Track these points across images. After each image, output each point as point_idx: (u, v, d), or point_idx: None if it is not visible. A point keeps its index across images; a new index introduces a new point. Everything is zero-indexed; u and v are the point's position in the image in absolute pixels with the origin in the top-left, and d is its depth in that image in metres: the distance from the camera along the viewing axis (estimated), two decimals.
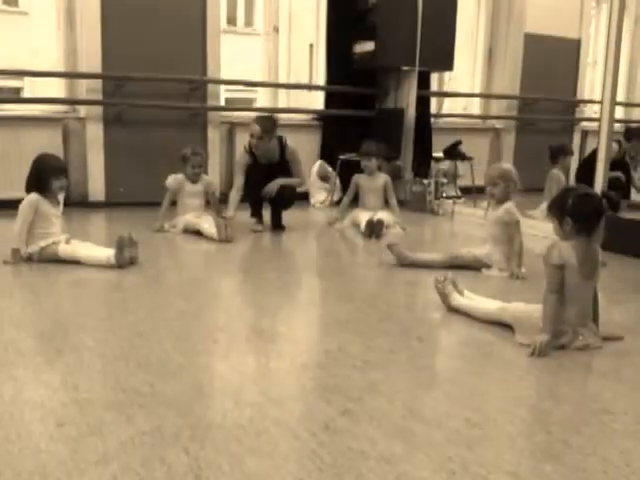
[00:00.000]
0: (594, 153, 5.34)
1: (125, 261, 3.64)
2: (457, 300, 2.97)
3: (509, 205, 3.72)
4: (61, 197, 3.82)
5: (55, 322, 2.80)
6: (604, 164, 4.60)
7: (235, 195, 4.95)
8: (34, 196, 3.68)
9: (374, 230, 4.79)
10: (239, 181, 4.97)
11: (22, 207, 3.68)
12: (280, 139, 4.97)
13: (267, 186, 4.88)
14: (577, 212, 2.53)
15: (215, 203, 4.98)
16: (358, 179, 5.27)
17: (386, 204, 5.27)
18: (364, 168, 5.22)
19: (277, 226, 5.09)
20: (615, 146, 4.89)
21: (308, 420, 1.94)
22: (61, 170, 3.75)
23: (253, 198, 5.00)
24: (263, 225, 5.06)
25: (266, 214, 5.11)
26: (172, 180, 4.81)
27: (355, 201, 5.38)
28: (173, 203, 4.90)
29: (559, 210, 2.58)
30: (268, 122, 4.88)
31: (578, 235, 2.54)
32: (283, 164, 5.03)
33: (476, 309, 2.90)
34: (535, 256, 2.70)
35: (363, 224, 4.88)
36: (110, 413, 1.91)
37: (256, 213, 5.08)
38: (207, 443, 1.76)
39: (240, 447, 1.74)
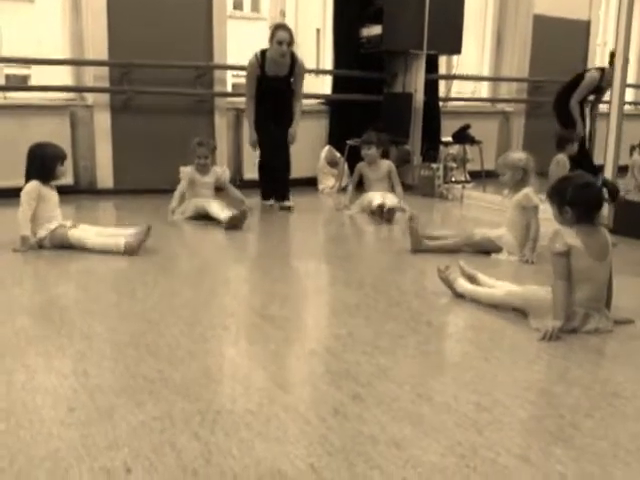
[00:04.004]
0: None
1: (133, 249, 3.66)
2: (463, 286, 2.97)
3: (528, 190, 3.75)
4: (54, 183, 3.90)
5: (65, 309, 2.82)
6: (614, 148, 4.55)
7: (251, 108, 5.13)
8: (35, 182, 3.75)
9: (384, 214, 4.77)
10: (251, 91, 5.10)
11: (25, 194, 3.72)
12: (292, 52, 5.05)
13: (290, 135, 5.20)
14: (576, 202, 2.55)
15: (231, 191, 4.93)
16: (362, 167, 5.27)
17: (392, 190, 5.25)
18: (364, 156, 5.22)
19: (284, 198, 5.26)
20: None
21: (318, 405, 1.94)
22: (64, 156, 3.85)
23: (265, 174, 5.26)
24: (274, 201, 5.26)
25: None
26: (185, 173, 4.79)
27: (361, 187, 5.36)
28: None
29: (559, 198, 2.60)
30: (289, 29, 5.02)
31: (578, 222, 2.55)
32: (288, 80, 5.13)
33: (482, 295, 2.89)
34: (543, 243, 2.70)
35: (375, 203, 4.86)
36: (120, 399, 1.92)
37: (267, 190, 5.27)
38: (217, 428, 1.76)
39: (250, 432, 1.75)
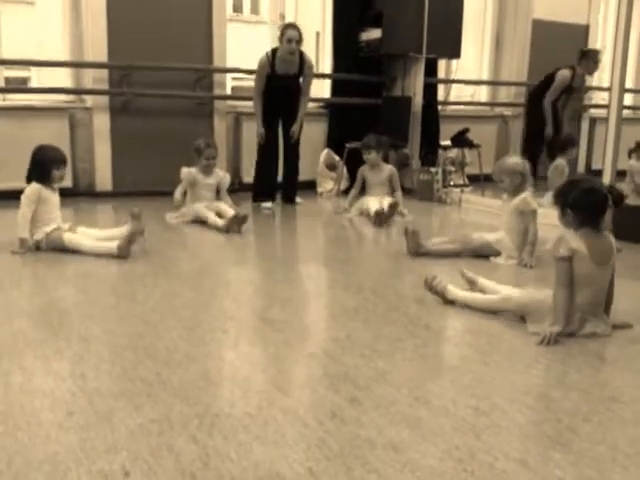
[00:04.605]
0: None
1: (127, 252, 3.67)
2: (453, 293, 2.95)
3: (526, 195, 3.76)
4: (57, 186, 3.90)
5: (63, 312, 2.81)
6: (612, 152, 4.56)
7: (258, 105, 5.35)
8: (36, 185, 3.76)
9: (382, 220, 4.78)
10: (260, 88, 5.32)
11: (25, 196, 3.74)
12: (300, 51, 5.29)
13: (292, 133, 5.43)
14: (578, 206, 2.56)
15: (225, 199, 4.90)
16: (363, 171, 5.27)
17: (392, 194, 5.25)
18: (365, 161, 5.23)
19: (290, 200, 5.54)
20: None
21: (316, 408, 1.94)
22: (61, 160, 3.84)
23: (262, 174, 5.45)
24: (274, 203, 5.42)
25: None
26: (186, 174, 4.77)
27: (362, 191, 5.37)
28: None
29: (562, 201, 2.61)
30: (299, 28, 5.26)
31: (582, 226, 2.56)
32: (297, 79, 5.36)
33: (475, 301, 2.89)
34: (544, 248, 2.70)
35: (372, 210, 4.87)
36: (119, 402, 1.92)
37: (266, 190, 5.41)
38: (215, 431, 1.76)
39: (248, 435, 1.75)
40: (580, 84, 6.40)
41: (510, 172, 3.76)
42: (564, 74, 6.26)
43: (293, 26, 5.26)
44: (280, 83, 5.29)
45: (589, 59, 6.25)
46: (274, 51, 5.29)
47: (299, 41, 5.18)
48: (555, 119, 6.30)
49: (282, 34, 5.20)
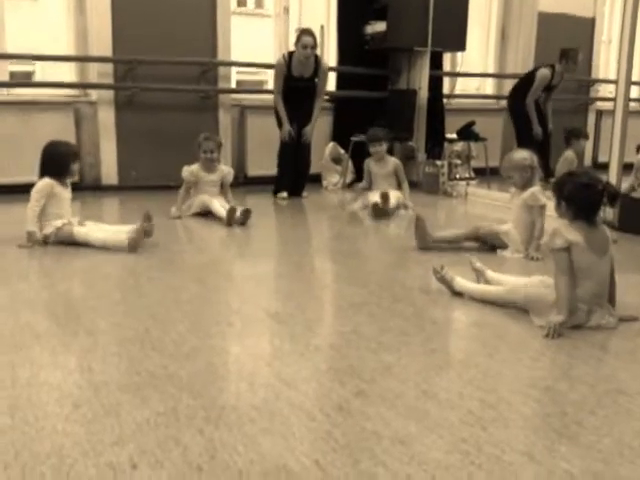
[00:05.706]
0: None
1: (137, 246, 3.68)
2: (460, 285, 2.95)
3: (535, 189, 3.74)
4: (69, 181, 3.92)
5: (70, 305, 2.82)
6: (619, 145, 4.53)
7: (280, 105, 5.49)
8: (49, 180, 3.76)
9: (380, 214, 4.79)
10: (279, 87, 5.49)
11: (36, 190, 3.74)
12: (316, 55, 5.48)
13: (305, 133, 5.57)
14: (571, 200, 2.57)
15: (227, 194, 4.89)
16: (369, 164, 5.25)
17: (399, 187, 5.24)
18: (373, 154, 5.20)
19: (298, 193, 5.66)
20: None
21: (322, 401, 1.94)
22: (77, 154, 3.89)
23: (284, 169, 5.58)
24: (288, 194, 5.58)
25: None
26: (187, 173, 4.76)
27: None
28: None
29: (558, 192, 2.62)
30: (314, 34, 5.42)
31: (575, 219, 2.57)
32: (312, 81, 5.52)
33: (481, 293, 2.89)
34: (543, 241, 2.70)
35: (373, 200, 4.86)
36: (125, 395, 1.93)
37: (283, 183, 5.57)
38: (221, 424, 1.77)
39: (254, 428, 1.75)
40: (559, 82, 6.41)
41: (520, 167, 3.74)
42: (544, 73, 6.28)
43: (308, 32, 5.42)
44: (295, 85, 5.45)
45: (569, 59, 6.26)
46: (290, 54, 5.46)
47: (314, 47, 5.37)
48: (541, 117, 6.30)
49: (298, 39, 5.39)
